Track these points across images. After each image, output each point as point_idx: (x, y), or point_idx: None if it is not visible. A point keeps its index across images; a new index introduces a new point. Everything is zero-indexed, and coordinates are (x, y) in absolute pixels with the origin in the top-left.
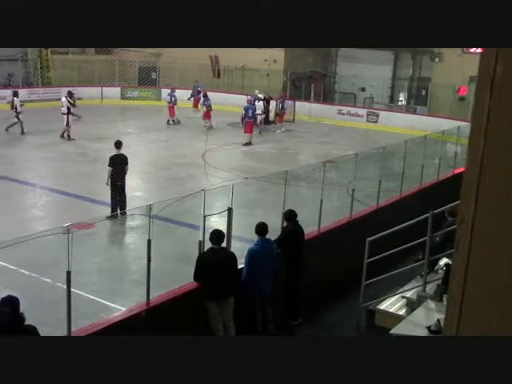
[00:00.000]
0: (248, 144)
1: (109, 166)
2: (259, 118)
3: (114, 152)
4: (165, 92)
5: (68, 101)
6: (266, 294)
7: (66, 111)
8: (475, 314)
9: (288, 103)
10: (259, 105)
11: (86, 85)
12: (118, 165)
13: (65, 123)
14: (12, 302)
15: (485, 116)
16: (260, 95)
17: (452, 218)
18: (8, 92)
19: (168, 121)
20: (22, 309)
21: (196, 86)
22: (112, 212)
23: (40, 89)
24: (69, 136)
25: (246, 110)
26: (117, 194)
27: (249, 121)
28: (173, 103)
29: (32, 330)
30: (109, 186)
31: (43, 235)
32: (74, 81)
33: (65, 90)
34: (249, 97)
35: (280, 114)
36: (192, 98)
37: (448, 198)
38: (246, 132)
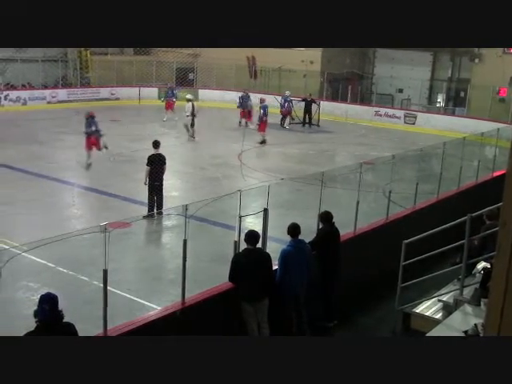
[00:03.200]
0: (263, 142)
1: (147, 165)
2: (188, 119)
3: (151, 152)
4: (202, 93)
5: None
6: (300, 295)
7: None
8: None
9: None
10: (188, 106)
11: (123, 85)
12: (157, 164)
13: None
14: (51, 300)
15: None
16: (189, 96)
17: (490, 221)
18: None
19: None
20: (60, 306)
21: (170, 88)
22: (149, 211)
23: (79, 89)
24: None
25: (264, 108)
26: (154, 193)
27: (265, 120)
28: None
29: (70, 328)
30: (146, 186)
31: (81, 234)
32: (112, 81)
33: (104, 91)
34: (262, 96)
35: (246, 111)
36: (165, 100)
37: (486, 200)
38: (260, 131)
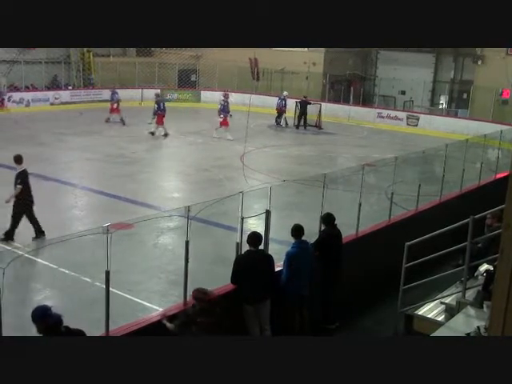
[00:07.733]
0: (165, 135)
1: (20, 184)
2: None
3: (17, 168)
4: (204, 94)
5: None
6: (305, 296)
7: None
8: None
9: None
10: None
11: (126, 86)
12: (27, 181)
13: None
14: (48, 308)
15: None
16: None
17: (498, 223)
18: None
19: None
20: (62, 307)
21: (159, 101)
22: (40, 231)
23: (82, 90)
24: None
25: (158, 103)
26: (29, 212)
27: (160, 113)
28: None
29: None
30: (10, 204)
31: (83, 235)
32: (115, 82)
33: (106, 92)
34: (157, 91)
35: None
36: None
37: (489, 203)
38: (158, 124)
